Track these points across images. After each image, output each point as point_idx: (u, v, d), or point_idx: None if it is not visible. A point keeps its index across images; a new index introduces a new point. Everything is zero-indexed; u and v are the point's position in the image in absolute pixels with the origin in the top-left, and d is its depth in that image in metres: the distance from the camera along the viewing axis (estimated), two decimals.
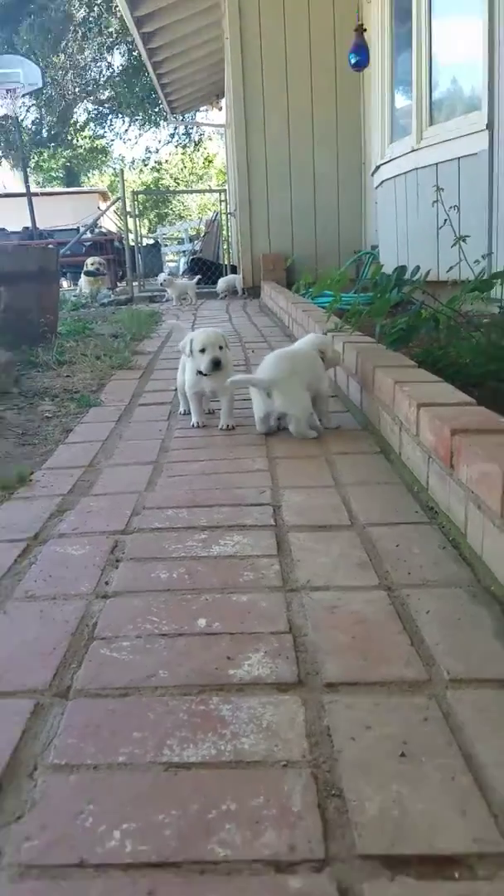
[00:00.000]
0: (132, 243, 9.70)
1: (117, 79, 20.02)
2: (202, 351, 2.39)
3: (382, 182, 5.50)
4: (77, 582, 1.37)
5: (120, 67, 20.03)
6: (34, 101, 20.03)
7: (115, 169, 24.72)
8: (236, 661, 1.07)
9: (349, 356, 2.74)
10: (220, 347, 2.42)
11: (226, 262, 9.90)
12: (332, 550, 1.46)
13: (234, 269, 9.15)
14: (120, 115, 21.46)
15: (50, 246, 8.03)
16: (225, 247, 10.31)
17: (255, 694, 0.99)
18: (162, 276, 7.98)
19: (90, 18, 18.66)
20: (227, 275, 9.09)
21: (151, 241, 14.45)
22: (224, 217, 9.63)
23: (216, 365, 2.38)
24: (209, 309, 7.37)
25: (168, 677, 1.04)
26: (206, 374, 2.42)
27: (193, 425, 2.52)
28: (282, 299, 5.54)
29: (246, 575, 1.37)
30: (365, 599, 1.25)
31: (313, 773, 0.83)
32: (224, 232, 10.00)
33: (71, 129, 21.78)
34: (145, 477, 2.02)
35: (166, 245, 14.64)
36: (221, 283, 8.55)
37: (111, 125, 22.11)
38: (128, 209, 9.12)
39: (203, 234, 11.94)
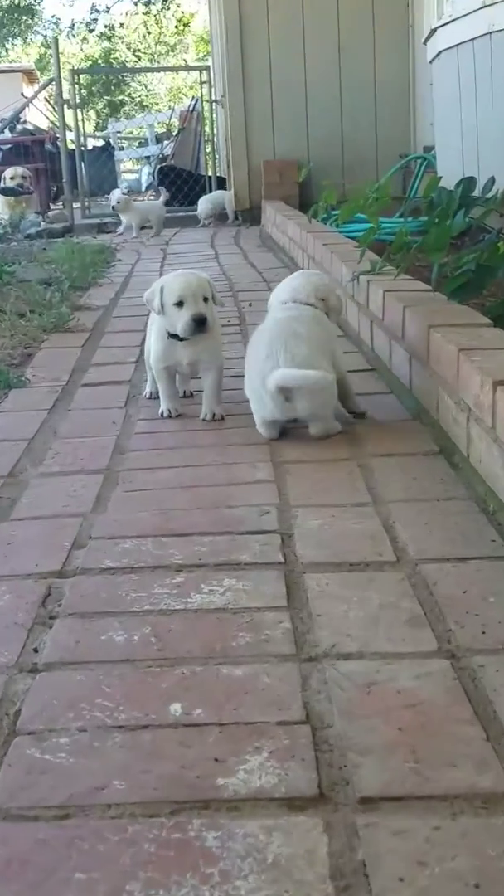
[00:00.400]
0: (72, 146, 9.70)
1: None
2: (178, 304, 2.38)
3: (439, 53, 5.50)
4: None
5: None
6: None
7: (46, 37, 24.72)
8: (228, 765, 1.07)
9: (392, 311, 2.74)
10: (205, 299, 2.42)
11: (209, 174, 9.92)
12: (370, 600, 1.46)
13: (221, 184, 9.16)
14: None
15: None
16: (208, 151, 10.33)
17: (255, 815, 0.99)
18: (116, 195, 7.99)
19: None
20: (211, 191, 9.11)
21: (101, 143, 14.45)
22: (207, 107, 9.64)
23: (199, 324, 2.39)
24: (186, 242, 7.38)
25: (127, 790, 1.04)
26: (183, 339, 2.44)
27: (163, 414, 2.54)
28: (292, 227, 5.55)
29: (241, 637, 1.37)
30: (417, 673, 1.24)
31: None
32: (207, 129, 10.00)
33: None
34: (92, 492, 2.02)
35: (122, 148, 14.66)
36: (203, 203, 8.58)
37: None
38: (65, 96, 9.14)
39: (176, 131, 11.94)
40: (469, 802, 0.99)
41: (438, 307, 2.60)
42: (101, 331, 3.83)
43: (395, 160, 7.20)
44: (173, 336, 2.44)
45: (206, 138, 10.23)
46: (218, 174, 9.65)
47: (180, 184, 9.59)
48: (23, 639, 1.40)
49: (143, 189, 9.90)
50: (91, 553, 1.70)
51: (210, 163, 10.14)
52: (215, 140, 9.49)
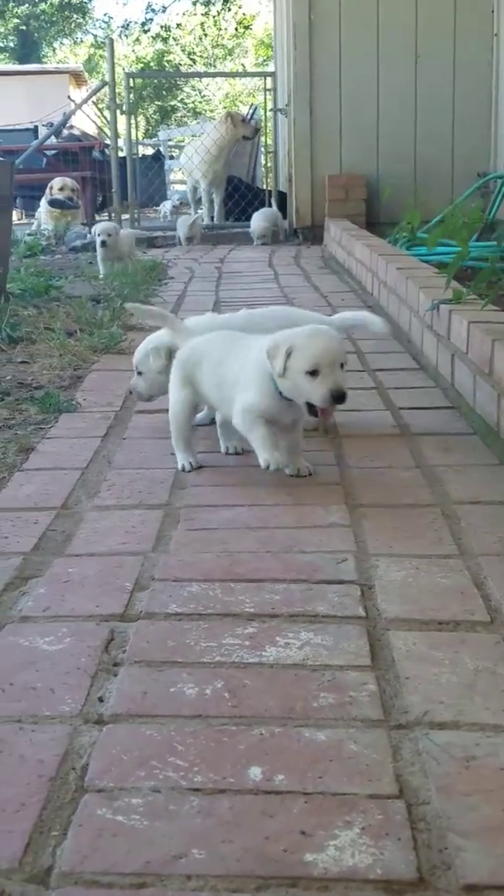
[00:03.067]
0: (122, 153, 9.89)
1: None
2: (312, 373, 2.17)
3: None
4: (52, 696, 1.39)
5: None
6: None
7: (96, 37, 25.34)
8: (316, 839, 1.07)
9: (479, 343, 2.74)
10: (342, 366, 2.21)
11: (266, 187, 10.03)
12: (462, 663, 1.45)
13: (281, 200, 9.26)
14: None
15: None
16: (267, 164, 10.46)
17: (348, 895, 0.99)
18: (167, 206, 8.13)
19: None
20: (270, 206, 9.20)
21: (150, 152, 14.72)
22: (267, 116, 9.78)
23: (340, 401, 2.18)
24: (241, 260, 7.46)
25: (207, 860, 1.04)
26: (317, 411, 2.23)
27: (269, 467, 2.26)
28: (361, 249, 5.59)
29: (323, 698, 1.37)
30: None
31: None
32: (266, 140, 10.13)
33: None
34: (152, 529, 2.04)
35: (172, 157, 14.90)
36: (258, 219, 8.65)
37: None
38: (118, 101, 9.34)
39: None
40: None
41: None
42: None
43: (472, 179, 7.24)
44: (283, 398, 2.24)
45: (266, 150, 10.35)
46: (278, 189, 9.76)
47: (237, 197, 9.71)
48: (87, 686, 1.41)
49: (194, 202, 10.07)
50: (155, 596, 1.72)
51: (267, 178, 10.27)
52: (276, 153, 9.60)
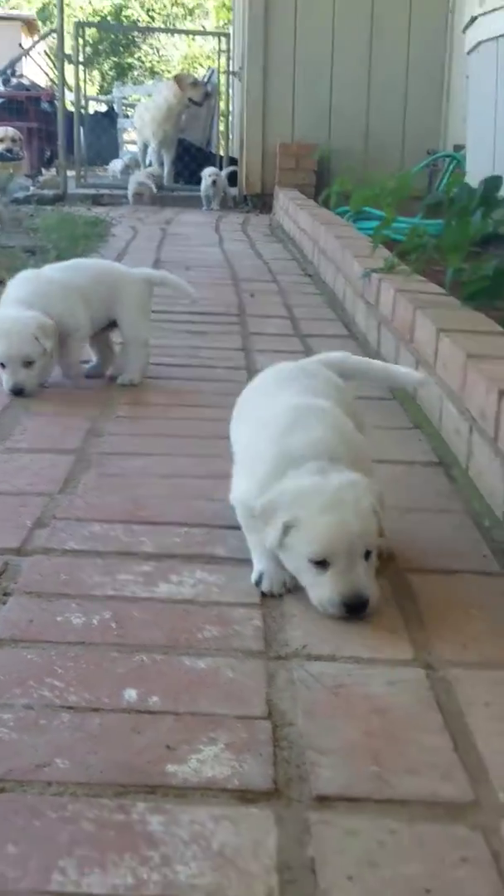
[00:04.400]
0: (71, 107, 9.78)
1: None
2: (321, 564, 1.49)
3: (479, 44, 5.60)
4: None
5: None
6: None
7: None
8: (179, 753, 1.12)
9: (403, 312, 2.80)
10: (368, 553, 1.52)
11: (219, 153, 10.00)
12: None
13: (234, 166, 9.25)
14: None
15: None
16: (222, 129, 10.41)
17: (204, 803, 1.04)
18: (117, 165, 8.08)
19: None
20: (222, 170, 9.16)
21: (104, 108, 14.53)
22: (224, 80, 9.73)
23: (356, 611, 1.48)
24: (188, 224, 7.45)
25: (70, 769, 1.09)
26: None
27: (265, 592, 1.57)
28: (305, 217, 5.63)
29: (208, 630, 1.42)
30: (390, 678, 1.29)
31: None
32: (223, 105, 10.09)
33: None
34: (62, 472, 2.07)
35: (127, 116, 14.74)
36: (207, 178, 8.60)
37: None
38: (67, 51, 9.22)
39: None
40: (429, 809, 1.04)
41: (451, 312, 2.67)
42: None
43: (422, 157, 7.31)
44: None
45: (221, 115, 10.31)
46: (231, 155, 9.73)
47: (188, 160, 9.67)
48: None
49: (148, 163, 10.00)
50: (54, 533, 1.75)
51: (222, 144, 10.24)
52: (231, 118, 9.58)
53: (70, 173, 9.17)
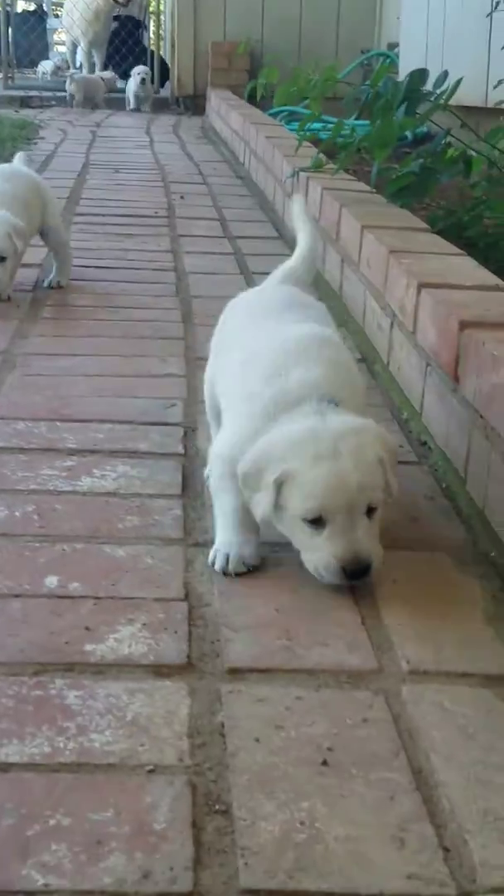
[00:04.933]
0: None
1: None
2: (316, 522, 1.26)
3: None
4: None
5: None
6: None
7: None
8: (98, 633, 1.14)
9: (329, 210, 2.78)
10: (371, 509, 1.28)
11: (150, 50, 9.66)
12: None
13: (163, 67, 8.96)
14: None
15: None
16: (153, 29, 10.04)
17: (119, 678, 1.07)
18: (47, 66, 7.78)
19: None
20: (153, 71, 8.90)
21: (32, 8, 13.88)
22: None
23: (356, 576, 1.26)
24: (118, 126, 7.23)
25: None
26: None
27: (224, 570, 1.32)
28: (236, 118, 5.51)
29: (129, 520, 1.44)
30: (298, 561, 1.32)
31: (191, 781, 0.91)
32: (153, 5, 9.70)
33: None
34: None
35: (57, 16, 14.11)
36: (136, 76, 8.33)
37: None
38: None
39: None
40: (334, 677, 1.09)
41: (377, 209, 2.66)
42: None
43: (356, 56, 7.14)
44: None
45: (151, 13, 9.94)
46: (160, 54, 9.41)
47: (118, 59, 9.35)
48: None
49: (76, 64, 9.63)
50: None
51: (155, 43, 9.88)
52: (163, 19, 9.23)
53: None
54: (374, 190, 2.91)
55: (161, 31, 9.78)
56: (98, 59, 9.19)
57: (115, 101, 8.63)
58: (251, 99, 7.16)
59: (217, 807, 0.88)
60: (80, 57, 9.50)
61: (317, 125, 4.78)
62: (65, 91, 8.47)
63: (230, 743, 0.97)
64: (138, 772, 0.92)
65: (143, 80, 8.40)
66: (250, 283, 2.88)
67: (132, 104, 8.39)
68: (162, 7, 9.66)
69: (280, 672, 1.09)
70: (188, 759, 0.94)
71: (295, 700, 1.04)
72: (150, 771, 0.92)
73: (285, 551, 1.35)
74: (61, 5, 15.17)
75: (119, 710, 1.01)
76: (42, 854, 0.82)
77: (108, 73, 8.70)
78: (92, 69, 9.13)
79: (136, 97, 8.39)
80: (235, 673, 1.08)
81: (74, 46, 9.45)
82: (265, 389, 1.33)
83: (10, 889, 0.78)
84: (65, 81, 8.65)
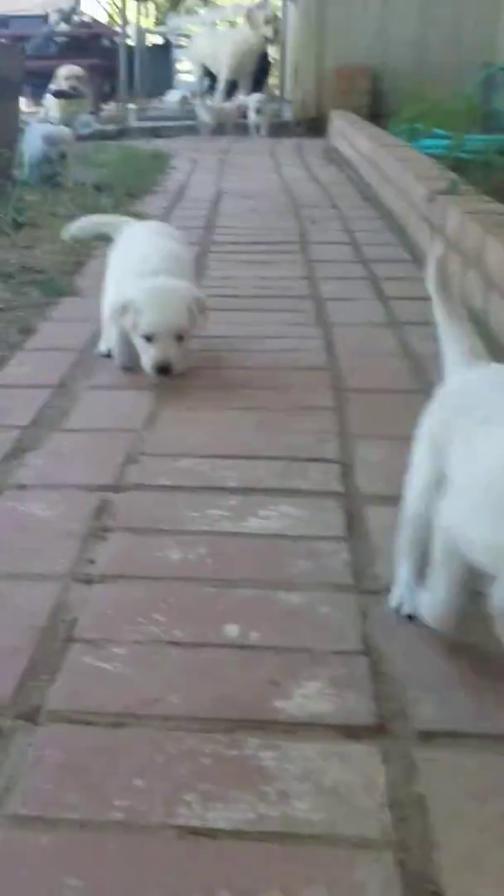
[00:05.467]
0: (131, 42, 9.50)
1: None
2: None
3: None
4: (45, 556, 1.42)
5: None
6: None
7: None
8: (285, 688, 1.11)
9: (471, 235, 2.69)
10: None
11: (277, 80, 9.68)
12: None
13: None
14: None
15: (1, 40, 7.91)
16: (275, 56, 10.04)
17: (311, 739, 1.03)
18: (174, 96, 7.87)
19: None
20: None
21: (160, 41, 14.13)
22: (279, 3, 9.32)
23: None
24: (244, 153, 7.25)
25: (182, 704, 1.08)
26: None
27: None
28: (363, 140, 5.43)
29: (299, 565, 1.40)
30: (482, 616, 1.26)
31: (399, 859, 0.86)
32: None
33: None
34: (145, 408, 2.04)
35: (181, 47, 14.31)
36: (253, 106, 8.36)
37: None
38: None
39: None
40: None
41: None
42: None
43: (476, 71, 6.97)
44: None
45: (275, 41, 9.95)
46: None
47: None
48: (77, 549, 1.44)
49: (206, 90, 9.72)
50: (143, 469, 1.73)
51: (276, 70, 9.90)
52: (284, 44, 9.23)
53: (130, 106, 8.96)
54: None
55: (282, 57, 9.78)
56: (244, 89, 9.27)
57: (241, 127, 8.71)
58: (373, 118, 7.11)
59: (430, 887, 0.83)
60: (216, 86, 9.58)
61: (428, 142, 4.70)
62: (190, 120, 8.57)
63: (433, 817, 0.91)
64: (343, 845, 0.88)
65: (258, 110, 8.44)
66: (387, 308, 2.83)
67: (253, 132, 8.45)
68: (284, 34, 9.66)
69: (473, 737, 1.03)
70: (392, 834, 0.89)
71: (494, 769, 0.98)
72: (356, 845, 0.88)
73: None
74: (186, 36, 15.45)
75: (316, 775, 0.97)
76: None
77: (241, 100, 8.75)
78: (226, 97, 9.20)
79: (256, 126, 8.43)
80: (426, 737, 1.03)
81: (203, 76, 9.55)
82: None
83: None
84: (191, 110, 8.75)
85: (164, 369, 2.08)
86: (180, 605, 1.29)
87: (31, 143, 4.67)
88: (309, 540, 1.48)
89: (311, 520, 1.54)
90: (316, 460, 1.78)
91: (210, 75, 9.89)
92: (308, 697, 1.09)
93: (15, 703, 1.09)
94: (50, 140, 4.58)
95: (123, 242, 2.47)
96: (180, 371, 1.99)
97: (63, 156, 4.60)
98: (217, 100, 9.05)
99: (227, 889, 0.83)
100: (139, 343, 2.12)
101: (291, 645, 1.20)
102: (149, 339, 2.09)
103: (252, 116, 8.45)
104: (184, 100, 9.74)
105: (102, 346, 2.36)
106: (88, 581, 1.35)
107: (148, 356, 2.10)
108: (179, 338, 2.05)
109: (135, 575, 1.37)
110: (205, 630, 1.23)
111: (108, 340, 2.32)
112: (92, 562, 1.41)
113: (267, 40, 9.12)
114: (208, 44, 9.35)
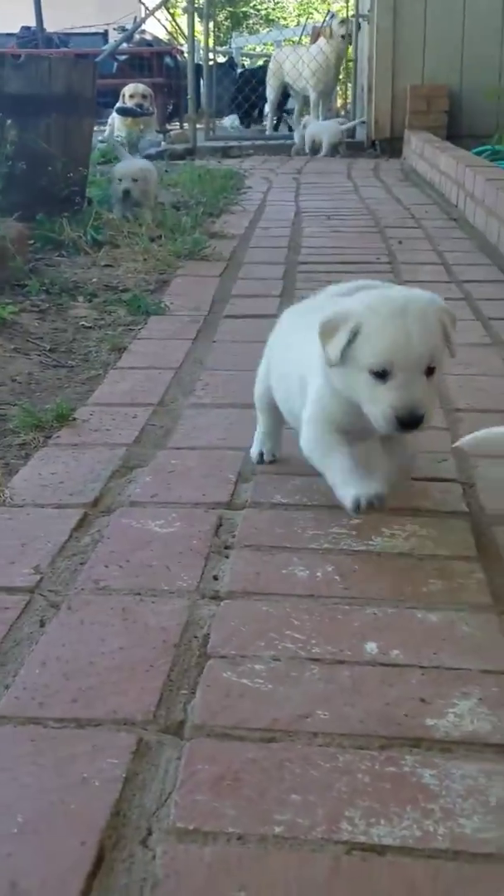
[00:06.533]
0: (197, 60, 9.69)
1: None
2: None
3: None
4: (169, 573, 1.45)
5: None
6: None
7: None
8: (435, 706, 1.12)
9: None
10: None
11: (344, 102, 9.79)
12: None
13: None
14: None
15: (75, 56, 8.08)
16: (341, 77, 10.17)
17: (470, 758, 1.03)
18: (231, 118, 8.00)
19: None
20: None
21: (223, 59, 14.41)
22: (346, 27, 9.46)
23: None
24: (318, 172, 7.33)
25: (331, 721, 1.10)
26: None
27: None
28: (446, 160, 5.46)
29: (432, 584, 1.41)
30: None
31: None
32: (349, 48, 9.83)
33: None
34: (250, 426, 2.07)
35: (244, 66, 14.56)
36: (301, 129, 8.51)
37: None
38: (195, 2, 9.11)
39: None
40: None
41: None
42: (239, 261, 3.87)
43: None
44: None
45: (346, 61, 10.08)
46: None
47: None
48: (201, 566, 1.47)
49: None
50: (259, 487, 1.76)
51: (342, 92, 10.02)
52: (356, 64, 9.34)
53: (198, 126, 9.13)
54: None
55: (358, 78, 9.89)
56: (323, 107, 9.43)
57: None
58: (450, 138, 7.15)
59: None
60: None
61: None
62: (261, 139, 8.70)
63: None
64: None
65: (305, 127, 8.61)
66: (488, 329, 2.83)
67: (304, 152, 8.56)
68: (355, 53, 9.78)
69: None
70: None
71: None
72: None
73: None
74: (248, 56, 15.70)
75: (481, 793, 0.98)
76: None
77: (341, 120, 8.89)
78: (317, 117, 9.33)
79: (311, 148, 8.57)
80: None
81: (277, 97, 9.70)
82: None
83: None
84: (262, 130, 8.90)
85: (411, 419, 1.44)
86: (313, 622, 1.31)
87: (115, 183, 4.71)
88: (439, 559, 1.49)
89: (438, 539, 1.55)
90: (436, 480, 1.79)
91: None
92: (461, 716, 1.10)
93: (156, 718, 1.12)
94: (131, 176, 4.62)
95: None
96: (430, 421, 1.46)
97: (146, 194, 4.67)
98: (312, 118, 9.15)
99: None
100: (360, 382, 1.47)
101: (435, 663, 1.21)
102: (381, 375, 1.45)
103: (303, 140, 8.62)
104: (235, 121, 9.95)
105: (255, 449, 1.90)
106: (216, 597, 1.38)
107: (380, 401, 1.45)
108: (430, 371, 1.46)
109: (262, 592, 1.40)
110: (342, 647, 1.24)
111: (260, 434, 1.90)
112: (216, 578, 1.44)
113: (344, 39, 9.25)
114: (290, 61, 9.48)
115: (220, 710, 1.12)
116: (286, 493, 1.73)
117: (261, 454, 1.87)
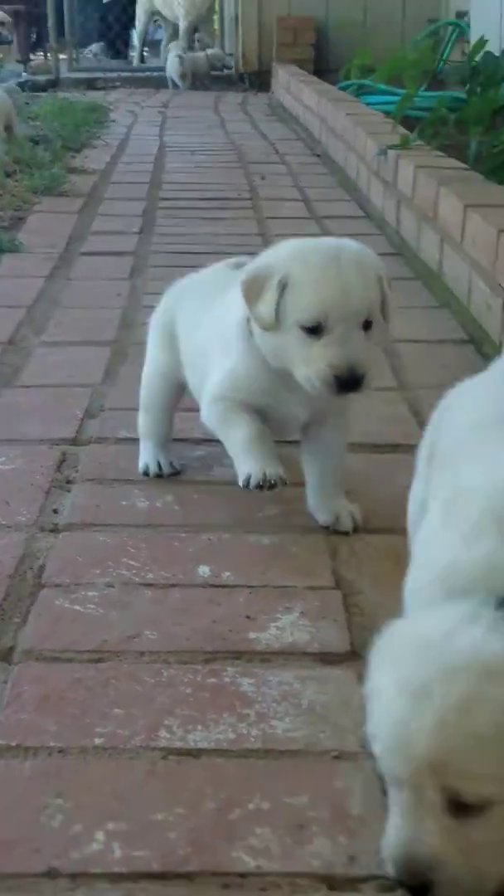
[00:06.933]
0: None
1: None
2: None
3: None
4: (8, 508, 1.47)
5: None
6: None
7: None
8: (259, 622, 1.19)
9: (424, 189, 2.78)
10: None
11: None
12: (397, 482, 1.55)
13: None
14: None
15: None
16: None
17: (288, 666, 1.11)
18: (95, 47, 7.81)
19: None
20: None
21: None
22: None
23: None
24: (186, 106, 7.26)
25: (159, 640, 1.16)
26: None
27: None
28: (310, 95, 5.49)
29: (268, 509, 1.48)
30: None
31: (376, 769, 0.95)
32: None
33: None
34: (101, 364, 2.09)
35: None
36: (174, 57, 8.41)
37: None
38: None
39: None
40: None
41: (476, 186, 2.65)
42: (99, 197, 3.84)
43: (423, 25, 7.04)
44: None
45: None
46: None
47: None
48: (41, 500, 1.50)
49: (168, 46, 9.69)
50: (104, 422, 1.79)
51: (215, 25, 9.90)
52: None
53: (61, 56, 8.88)
54: (469, 167, 2.90)
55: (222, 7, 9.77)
56: (206, 37, 9.25)
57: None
58: (318, 72, 7.16)
59: None
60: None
61: (375, 98, 4.76)
62: (128, 72, 8.53)
63: None
64: (324, 758, 0.97)
65: (179, 58, 8.45)
66: None
67: (174, 85, 8.44)
68: None
69: None
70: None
71: None
72: (336, 757, 0.97)
73: None
74: None
75: (294, 697, 1.05)
76: (248, 837, 0.87)
77: (214, 51, 8.72)
78: (189, 48, 9.14)
79: (182, 77, 8.44)
80: None
81: (148, 25, 9.49)
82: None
83: (224, 871, 0.83)
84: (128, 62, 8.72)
85: (351, 377, 1.28)
86: (150, 549, 1.36)
87: None
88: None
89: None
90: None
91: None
92: (282, 629, 1.18)
93: None
94: None
95: None
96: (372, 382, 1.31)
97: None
98: (181, 50, 8.97)
99: (213, 800, 0.91)
100: (291, 342, 1.31)
101: (263, 582, 1.28)
102: (314, 330, 1.29)
103: (174, 68, 8.51)
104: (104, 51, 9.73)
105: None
106: (54, 530, 1.42)
107: (315, 360, 1.29)
108: (367, 325, 1.31)
109: (102, 523, 1.44)
110: (176, 572, 1.30)
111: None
112: (56, 512, 1.47)
113: None
114: None
115: (50, 635, 1.17)
116: (132, 429, 1.76)
117: (158, 464, 1.58)
